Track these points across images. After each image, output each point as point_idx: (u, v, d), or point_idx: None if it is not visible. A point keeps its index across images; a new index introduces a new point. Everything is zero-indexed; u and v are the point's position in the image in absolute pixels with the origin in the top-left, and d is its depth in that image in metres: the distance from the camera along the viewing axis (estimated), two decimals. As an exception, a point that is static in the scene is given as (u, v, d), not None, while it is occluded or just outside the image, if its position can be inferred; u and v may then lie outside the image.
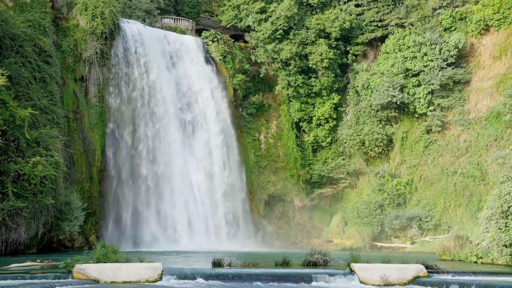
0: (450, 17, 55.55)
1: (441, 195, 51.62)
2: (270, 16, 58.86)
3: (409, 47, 55.57)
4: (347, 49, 61.58)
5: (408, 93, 55.13)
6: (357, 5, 61.95)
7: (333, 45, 59.60)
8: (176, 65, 55.67)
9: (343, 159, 59.45)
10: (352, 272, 21.43)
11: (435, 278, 21.65)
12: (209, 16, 68.75)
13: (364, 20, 61.00)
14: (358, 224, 54.36)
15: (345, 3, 62.23)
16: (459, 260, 32.83)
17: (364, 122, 58.48)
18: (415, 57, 55.06)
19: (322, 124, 60.91)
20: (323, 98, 60.63)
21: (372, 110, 57.69)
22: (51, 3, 48.16)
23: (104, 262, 20.48)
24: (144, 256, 22.13)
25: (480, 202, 47.47)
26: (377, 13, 60.70)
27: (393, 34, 58.79)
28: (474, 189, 49.54)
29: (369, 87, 58.28)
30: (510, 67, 51.72)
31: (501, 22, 52.80)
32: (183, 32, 59.63)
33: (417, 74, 55.21)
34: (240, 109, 60.29)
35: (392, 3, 60.17)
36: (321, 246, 49.43)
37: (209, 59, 58.33)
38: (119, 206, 48.89)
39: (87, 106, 48.13)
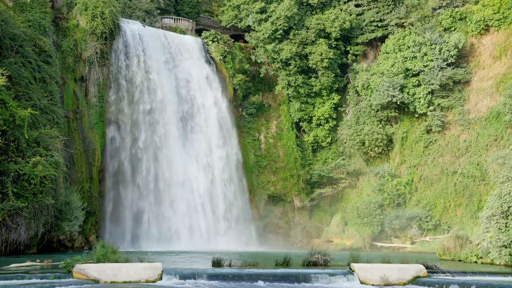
0: (450, 17, 55.56)
1: (441, 195, 51.61)
2: (270, 16, 58.88)
3: (409, 47, 55.57)
4: (347, 49, 61.59)
5: (408, 93, 55.12)
6: (357, 5, 61.96)
7: (333, 45, 59.62)
8: (176, 65, 55.67)
9: (343, 159, 59.46)
10: (352, 272, 21.43)
11: (435, 278, 21.65)
12: (209, 16, 68.76)
13: (364, 20, 61.00)
14: (358, 224, 54.39)
15: (345, 3, 62.23)
16: (459, 260, 32.83)
17: (364, 122, 58.49)
18: (415, 57, 55.05)
19: (322, 124, 60.92)
20: (323, 98, 60.64)
21: (372, 110, 57.69)
22: (51, 3, 48.16)
23: (104, 262, 20.47)
24: (144, 256, 22.12)
25: (480, 202, 47.46)
26: (377, 13, 60.70)
27: (393, 34, 58.79)
28: (474, 189, 49.52)
29: (369, 87, 58.29)
30: (510, 67, 51.71)
31: (501, 22, 52.80)
32: (183, 32, 59.64)
33: (417, 74, 55.21)
34: (240, 109, 60.29)
35: (392, 3, 60.16)
36: (321, 246, 49.41)
37: (209, 59, 58.33)
38: (119, 206, 48.87)
39: (87, 106, 48.12)
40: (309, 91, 60.31)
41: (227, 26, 63.61)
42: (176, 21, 61.30)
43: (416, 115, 55.68)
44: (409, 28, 57.42)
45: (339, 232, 55.90)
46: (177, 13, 65.12)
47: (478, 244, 31.88)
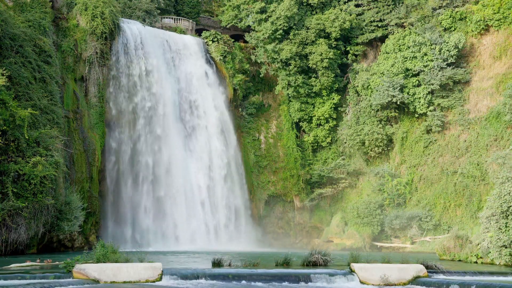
0: (450, 17, 55.56)
1: (441, 195, 51.61)
2: (270, 16, 58.89)
3: (409, 47, 55.57)
4: (347, 49, 61.59)
5: (408, 93, 55.13)
6: (357, 5, 61.97)
7: (333, 45, 59.62)
8: (176, 65, 55.69)
9: (343, 159, 59.46)
10: (352, 272, 21.41)
11: (435, 278, 21.63)
12: (209, 16, 68.75)
13: (364, 20, 61.00)
14: (358, 224, 54.38)
15: (345, 3, 62.24)
16: (459, 260, 32.80)
17: (364, 122, 58.48)
18: (415, 57, 55.06)
19: (322, 124, 60.93)
20: (323, 98, 60.64)
21: (372, 110, 57.69)
22: (51, 3, 48.15)
23: (104, 262, 20.45)
24: (144, 256, 22.07)
25: (480, 202, 47.48)
26: (377, 13, 60.70)
27: (393, 34, 58.80)
28: (474, 189, 49.54)
29: (369, 87, 58.29)
30: (510, 67, 51.73)
31: (501, 22, 52.80)
32: (183, 32, 59.63)
33: (417, 74, 55.21)
34: (240, 109, 60.29)
35: (392, 3, 60.18)
36: (321, 246, 49.41)
37: (209, 59, 58.34)
38: (119, 206, 48.88)
39: (87, 106, 48.12)
40: (309, 91, 60.31)
41: (227, 26, 63.60)
42: (176, 21, 61.29)
43: (416, 115, 55.68)
44: (409, 28, 57.43)
45: (339, 232, 55.90)
46: (177, 13, 65.11)
47: (478, 244, 31.85)
